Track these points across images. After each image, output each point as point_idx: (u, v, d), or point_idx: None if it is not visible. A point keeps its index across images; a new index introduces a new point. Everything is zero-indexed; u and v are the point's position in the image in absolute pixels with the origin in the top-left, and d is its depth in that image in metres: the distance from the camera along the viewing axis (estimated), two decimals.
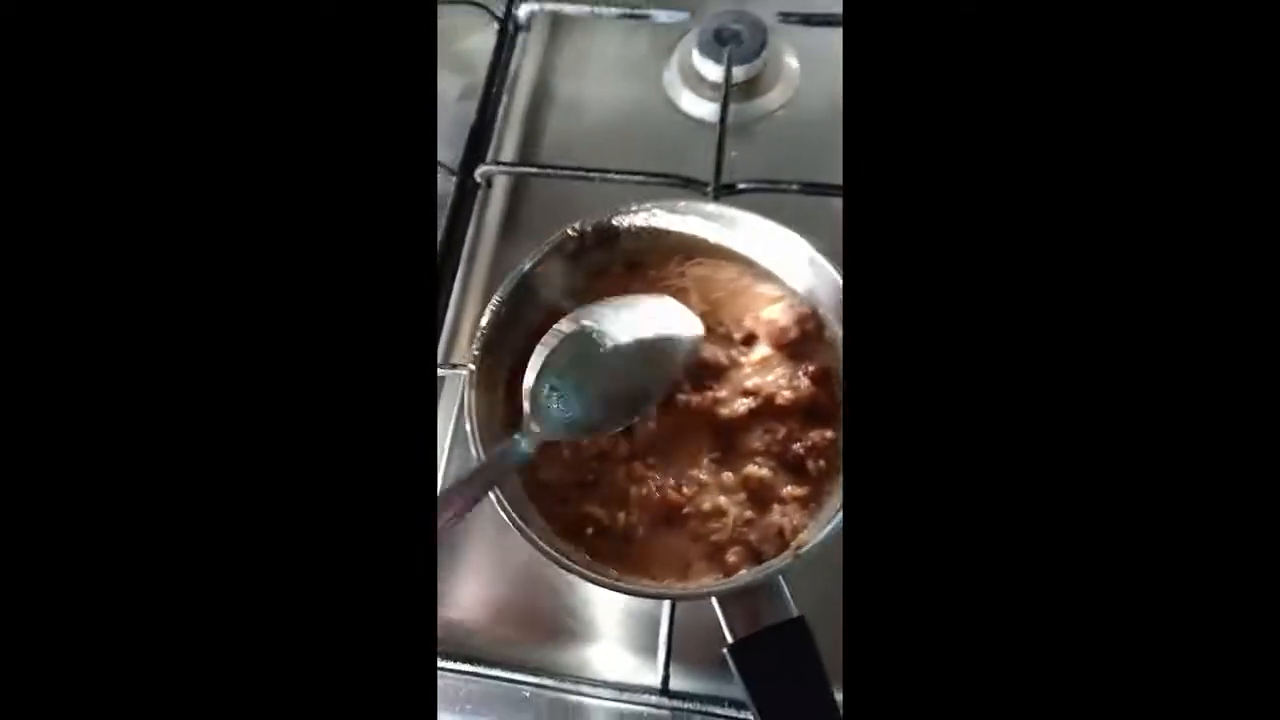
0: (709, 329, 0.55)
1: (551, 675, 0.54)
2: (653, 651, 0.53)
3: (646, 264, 0.58)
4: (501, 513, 0.47)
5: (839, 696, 0.42)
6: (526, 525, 0.48)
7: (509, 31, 0.76)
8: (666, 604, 0.53)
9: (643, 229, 0.56)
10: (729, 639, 0.44)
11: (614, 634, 0.56)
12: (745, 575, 0.46)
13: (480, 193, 0.71)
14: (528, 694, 0.54)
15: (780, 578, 0.45)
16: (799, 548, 0.46)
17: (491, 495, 0.48)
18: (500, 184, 0.72)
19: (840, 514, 0.45)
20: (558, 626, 0.56)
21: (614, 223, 0.55)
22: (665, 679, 0.52)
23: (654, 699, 0.52)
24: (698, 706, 0.52)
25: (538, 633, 0.56)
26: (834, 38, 0.73)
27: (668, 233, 0.57)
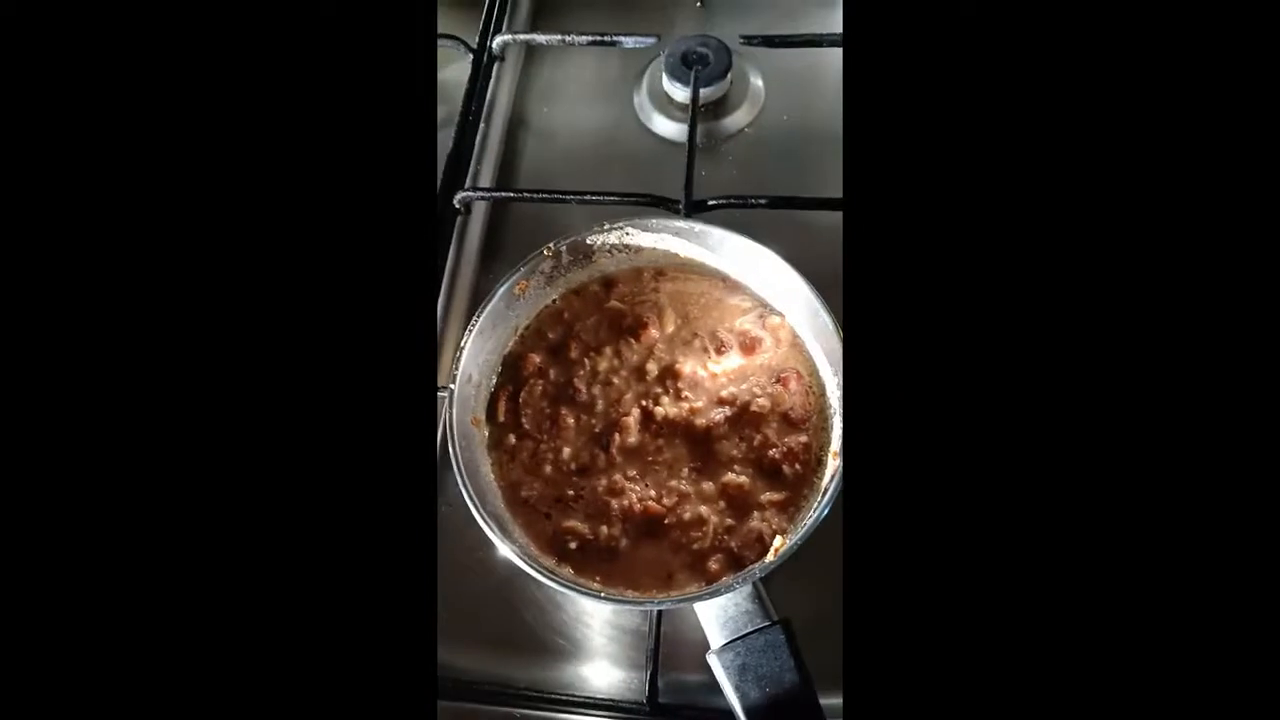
0: (684, 341, 0.56)
1: (538, 695, 0.53)
2: (641, 666, 0.53)
3: (621, 280, 0.59)
4: (485, 528, 0.48)
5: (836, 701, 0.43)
6: (512, 539, 0.48)
7: (484, 62, 0.77)
8: (652, 617, 0.53)
9: (616, 246, 0.58)
10: (712, 645, 0.44)
11: (602, 650, 0.56)
12: (726, 581, 0.46)
13: (459, 219, 0.71)
14: (517, 714, 0.54)
15: (761, 583, 0.45)
16: (777, 549, 0.46)
17: (474, 512, 0.48)
18: (479, 210, 0.73)
19: (815, 516, 0.46)
20: (544, 645, 0.56)
21: (588, 241, 0.57)
22: (652, 693, 0.52)
23: (643, 714, 0.52)
24: (687, 719, 0.51)
25: (524, 652, 0.56)
26: (796, 59, 0.75)
27: (641, 249, 0.58)
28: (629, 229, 0.56)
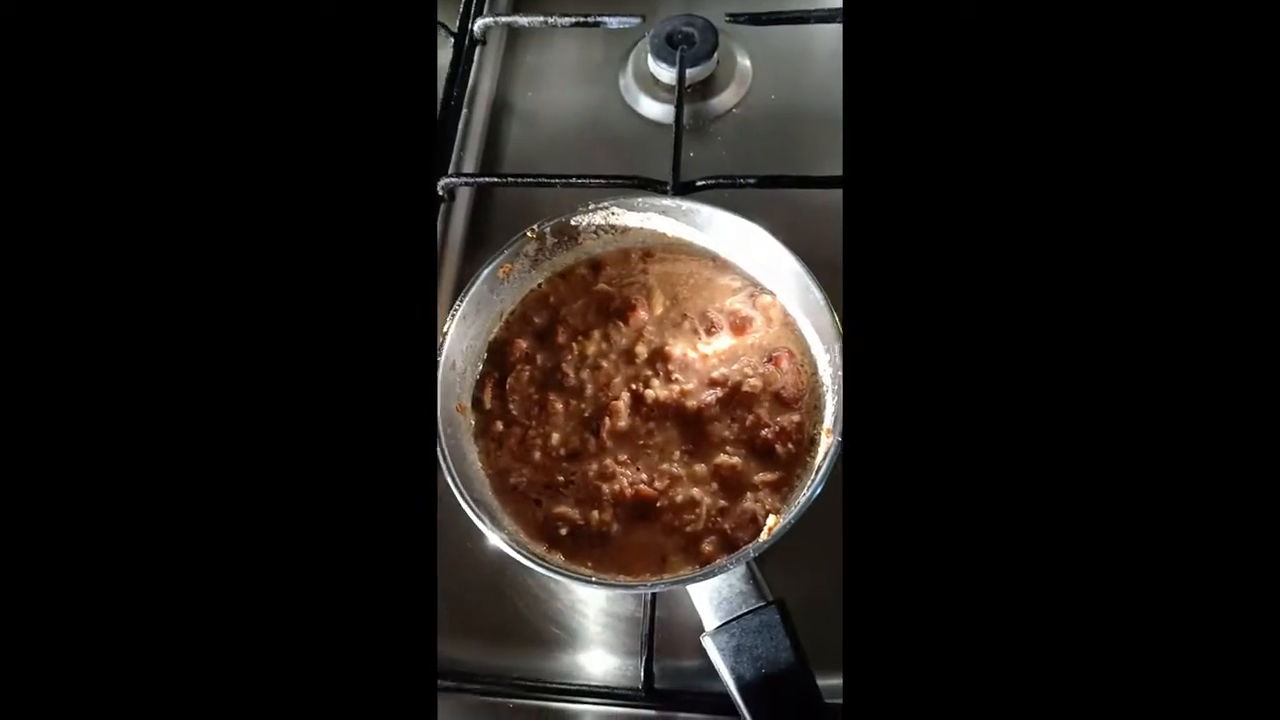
0: (673, 323, 0.55)
1: (535, 684, 0.52)
2: (637, 653, 0.52)
3: (608, 263, 0.58)
4: (472, 516, 0.47)
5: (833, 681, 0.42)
6: (500, 526, 0.47)
7: (465, 46, 0.76)
8: (646, 602, 0.52)
9: (602, 227, 0.56)
10: (706, 627, 0.44)
11: (597, 637, 0.55)
12: (719, 562, 0.45)
13: (443, 205, 0.70)
14: (512, 704, 0.53)
15: (755, 563, 0.44)
16: (771, 528, 0.45)
17: (460, 500, 0.47)
18: (463, 196, 0.71)
19: (808, 495, 0.45)
20: (539, 634, 0.55)
21: (573, 222, 0.55)
22: (648, 679, 0.51)
23: (639, 700, 0.51)
24: (683, 704, 0.51)
25: (519, 641, 0.55)
26: (783, 36, 0.74)
27: (627, 230, 0.57)
28: (614, 209, 0.55)
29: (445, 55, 0.75)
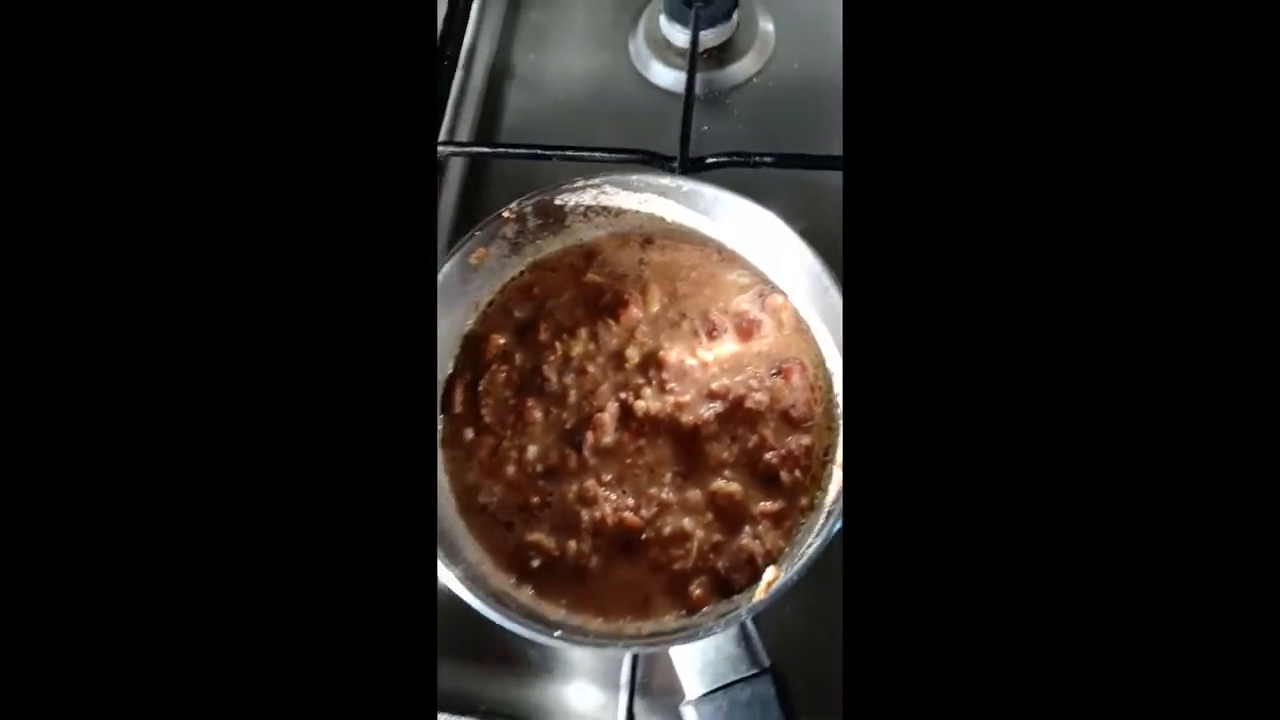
0: (670, 323, 0.45)
1: (507, 717, 0.44)
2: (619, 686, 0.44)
3: (604, 249, 0.48)
4: None
5: None
6: (457, 557, 0.38)
7: (459, 3, 0.65)
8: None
9: (593, 208, 0.46)
10: (688, 694, 0.35)
11: (580, 666, 0.47)
12: (706, 623, 0.36)
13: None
14: None
15: (750, 621, 0.35)
16: (770, 583, 0.36)
17: None
18: (455, 167, 0.62)
19: (818, 543, 0.36)
20: (515, 657, 0.47)
21: (557, 201, 0.45)
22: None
23: None
24: None
25: (492, 664, 0.47)
26: None
27: (623, 212, 0.47)
28: (606, 187, 0.45)
29: (440, 9, 0.65)
